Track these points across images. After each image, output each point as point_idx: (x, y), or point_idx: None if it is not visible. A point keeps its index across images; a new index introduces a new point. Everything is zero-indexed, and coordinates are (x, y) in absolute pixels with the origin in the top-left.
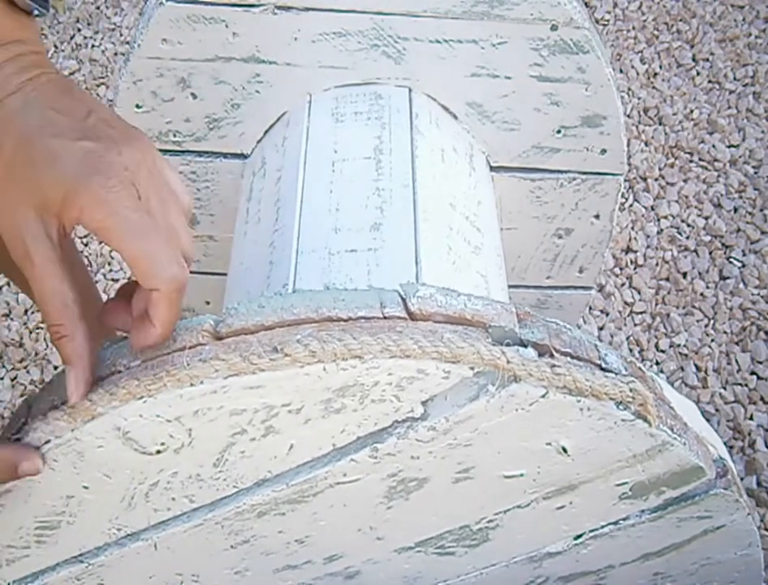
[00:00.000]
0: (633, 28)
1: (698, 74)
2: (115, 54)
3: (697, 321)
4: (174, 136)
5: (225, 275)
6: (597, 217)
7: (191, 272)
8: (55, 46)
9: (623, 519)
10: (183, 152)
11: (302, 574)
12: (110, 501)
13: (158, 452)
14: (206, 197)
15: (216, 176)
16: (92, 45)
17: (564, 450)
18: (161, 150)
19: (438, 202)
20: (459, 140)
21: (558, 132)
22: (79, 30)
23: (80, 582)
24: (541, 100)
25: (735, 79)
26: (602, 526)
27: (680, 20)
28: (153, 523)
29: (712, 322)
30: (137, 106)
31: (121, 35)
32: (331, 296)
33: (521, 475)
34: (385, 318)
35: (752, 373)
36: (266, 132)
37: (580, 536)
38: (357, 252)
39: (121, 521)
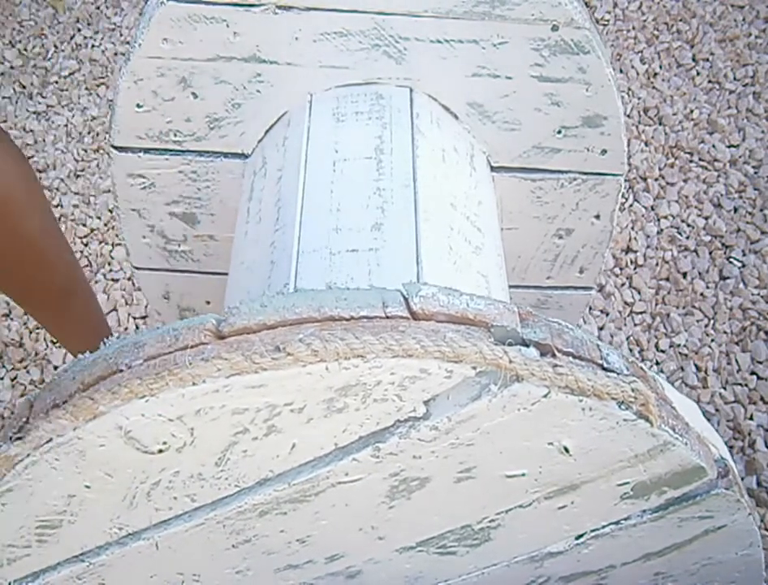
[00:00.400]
0: (633, 28)
1: (698, 74)
2: (115, 54)
3: (697, 321)
4: (175, 135)
5: (225, 274)
6: (597, 217)
7: (191, 271)
8: (55, 46)
9: (625, 519)
10: (183, 151)
11: (303, 574)
12: (112, 500)
13: (160, 451)
14: (207, 196)
15: (217, 176)
16: (92, 45)
17: (566, 450)
18: (161, 150)
19: (439, 202)
20: (459, 140)
21: (559, 132)
22: (79, 30)
23: (81, 582)
24: (542, 100)
25: (735, 79)
26: (604, 526)
27: (680, 20)
28: (155, 522)
29: (712, 322)
30: (138, 106)
31: (121, 35)
32: (333, 295)
33: (523, 475)
34: (387, 317)
35: (753, 373)
36: (267, 131)
37: (581, 536)
38: (358, 252)
39: (122, 520)
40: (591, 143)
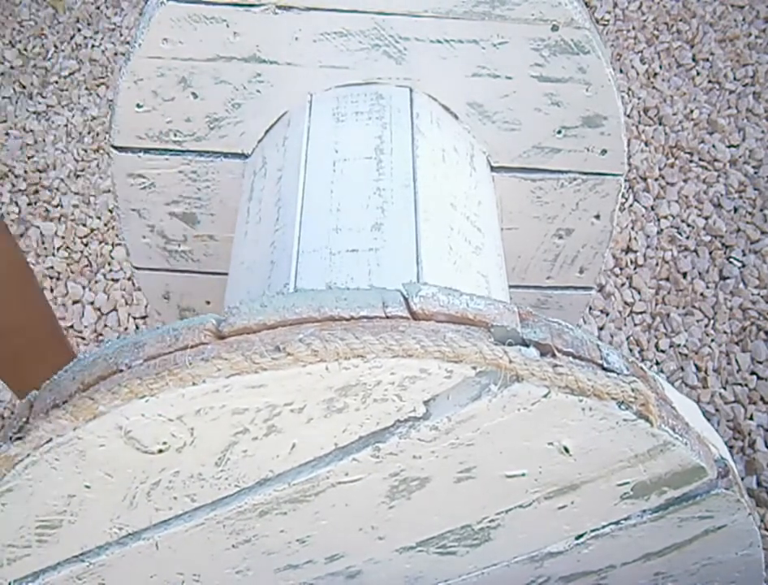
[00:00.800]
0: (633, 28)
1: (698, 74)
2: (115, 54)
3: (697, 321)
4: (175, 135)
5: (225, 274)
6: (597, 217)
7: (191, 271)
8: (55, 46)
9: (625, 519)
10: (183, 151)
11: (303, 574)
12: (112, 500)
13: (160, 451)
14: (207, 196)
15: (216, 176)
16: (92, 45)
17: (566, 450)
18: (161, 150)
19: (439, 202)
20: (459, 140)
21: (559, 132)
22: (79, 30)
23: (81, 582)
24: (542, 100)
25: (735, 79)
26: (604, 526)
27: (680, 20)
28: (155, 522)
29: (712, 322)
30: (138, 106)
31: (121, 35)
32: (333, 295)
33: (523, 475)
34: (387, 317)
35: (753, 373)
36: (267, 131)
37: (581, 536)
38: (358, 252)
39: (122, 520)
40: (591, 143)
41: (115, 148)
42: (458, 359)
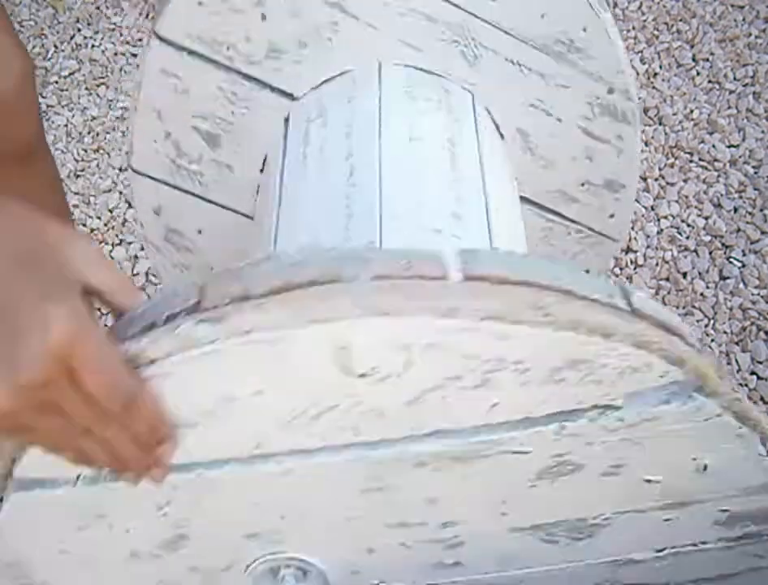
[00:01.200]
0: (633, 28)
1: (698, 74)
2: (115, 54)
3: (697, 321)
4: (228, 49)
5: (229, 209)
6: (587, 273)
7: (193, 194)
8: (55, 46)
9: (703, 542)
10: (231, 69)
11: (409, 535)
12: (273, 416)
13: (362, 375)
14: (239, 122)
15: (255, 105)
16: (92, 45)
17: (704, 468)
18: (208, 58)
19: (503, 201)
20: (504, 160)
21: (583, 185)
22: (79, 30)
23: (175, 492)
24: (580, 151)
25: (735, 79)
26: (685, 545)
27: (680, 20)
28: (298, 449)
29: (712, 322)
30: (200, 3)
31: (121, 35)
32: (568, 270)
33: (658, 482)
34: (618, 308)
35: (753, 373)
36: (324, 82)
37: (662, 549)
38: (442, 232)
39: (267, 438)
40: (605, 204)
41: (158, 36)
42: (679, 363)
